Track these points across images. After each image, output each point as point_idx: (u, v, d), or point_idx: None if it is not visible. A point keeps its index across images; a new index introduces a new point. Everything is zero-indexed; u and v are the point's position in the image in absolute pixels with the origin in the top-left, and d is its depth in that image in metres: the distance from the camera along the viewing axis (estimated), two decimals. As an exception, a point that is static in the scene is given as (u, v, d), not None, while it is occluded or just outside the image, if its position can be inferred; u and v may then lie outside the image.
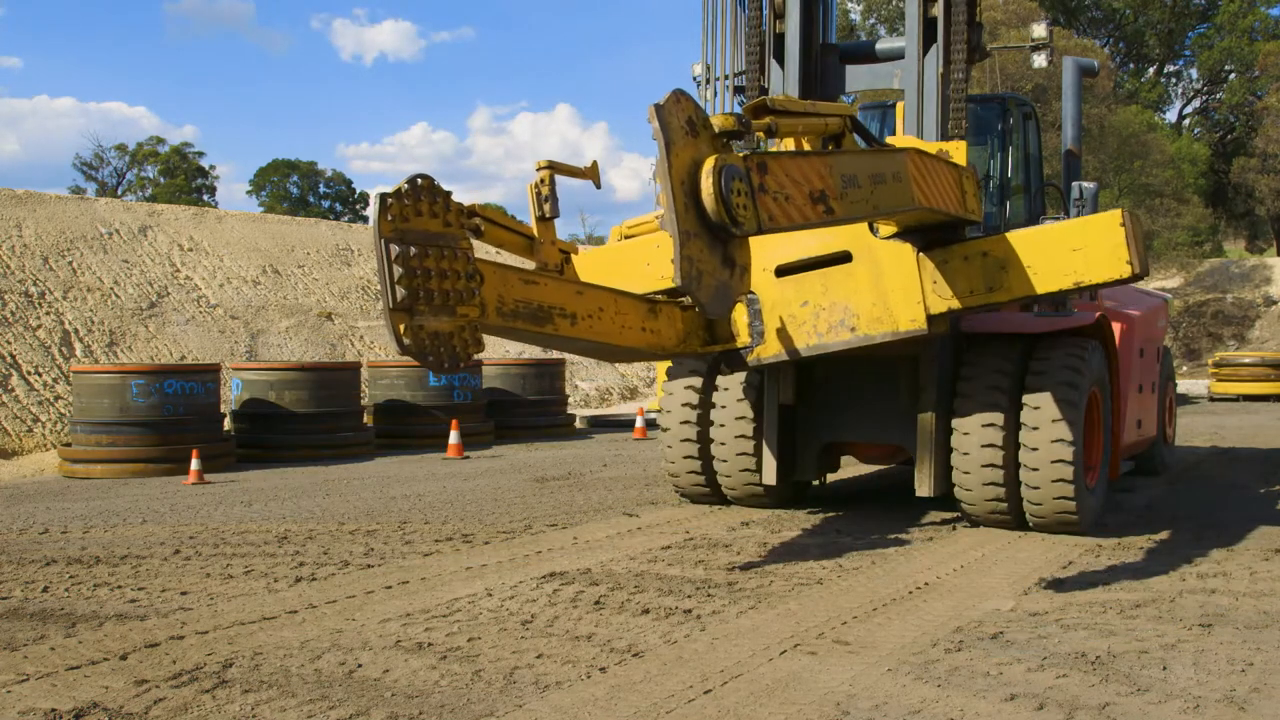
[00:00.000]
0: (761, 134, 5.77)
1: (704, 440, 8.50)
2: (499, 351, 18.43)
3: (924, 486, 7.63)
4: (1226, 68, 43.79)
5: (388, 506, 9.06)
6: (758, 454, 8.22)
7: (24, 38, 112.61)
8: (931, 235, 6.99)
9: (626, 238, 8.51)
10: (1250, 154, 40.12)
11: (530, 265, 6.41)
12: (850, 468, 11.23)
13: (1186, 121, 47.90)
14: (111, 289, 17.68)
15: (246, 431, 13.05)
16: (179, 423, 11.80)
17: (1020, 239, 6.84)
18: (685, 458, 8.57)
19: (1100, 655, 4.65)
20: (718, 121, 4.94)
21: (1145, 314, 9.92)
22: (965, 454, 7.38)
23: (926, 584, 6.04)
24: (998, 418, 7.30)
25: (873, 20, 39.12)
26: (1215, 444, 14.19)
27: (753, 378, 8.17)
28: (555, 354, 17.46)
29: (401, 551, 7.04)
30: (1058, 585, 5.98)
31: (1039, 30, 10.69)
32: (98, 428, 11.70)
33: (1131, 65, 45.51)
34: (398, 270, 4.62)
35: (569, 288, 5.84)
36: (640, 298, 6.40)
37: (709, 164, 4.68)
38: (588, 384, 22.46)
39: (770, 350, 7.09)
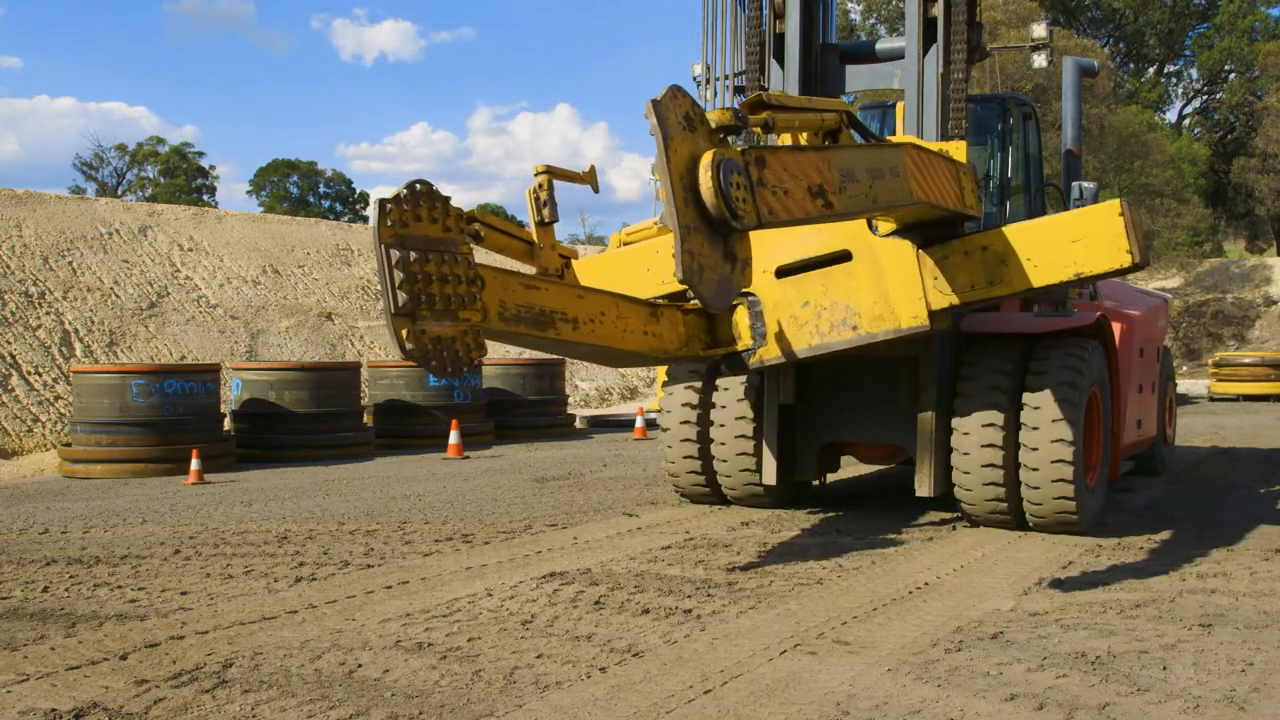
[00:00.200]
0: (759, 130, 5.77)
1: (704, 440, 8.50)
2: (499, 351, 18.42)
3: (924, 486, 7.63)
4: (1226, 68, 43.79)
5: (388, 506, 9.06)
6: (758, 454, 8.22)
7: (24, 38, 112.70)
8: (930, 232, 6.99)
9: (626, 244, 8.52)
10: (1250, 154, 40.12)
11: (531, 270, 6.42)
12: (850, 468, 11.23)
13: (1186, 121, 47.92)
14: (111, 289, 17.68)
15: (246, 431, 13.05)
16: (179, 423, 11.80)
17: (1020, 232, 6.84)
18: (685, 458, 8.57)
19: (1100, 655, 4.65)
20: (715, 117, 4.94)
21: (1145, 314, 9.92)
22: (965, 454, 7.38)
23: (926, 584, 6.04)
24: (998, 418, 7.30)
25: (873, 20, 39.13)
26: (1215, 444, 14.19)
27: (753, 378, 8.17)
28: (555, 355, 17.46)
29: (401, 551, 7.04)
30: (1058, 585, 5.98)
31: (1039, 30, 10.72)
32: (98, 428, 11.70)
33: (1131, 65, 45.51)
34: (398, 275, 4.62)
35: (570, 292, 5.84)
36: (641, 301, 6.40)
37: (707, 158, 4.69)
38: (588, 384, 22.47)
39: (772, 352, 7.08)
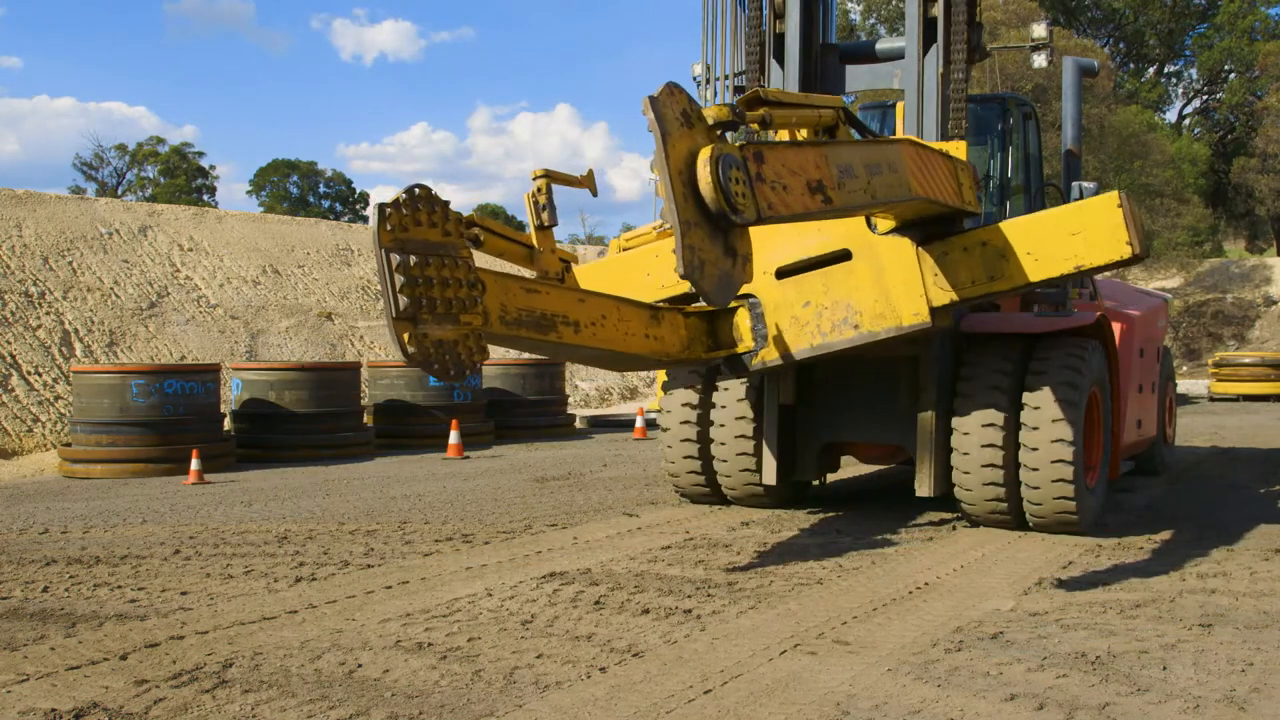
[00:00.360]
0: (756, 126, 5.77)
1: (704, 440, 8.50)
2: (499, 351, 18.41)
3: (924, 486, 7.62)
4: (1226, 68, 43.79)
5: (388, 506, 9.06)
6: (758, 454, 8.22)
7: (24, 38, 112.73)
8: (930, 229, 6.98)
9: (625, 250, 8.52)
10: (1250, 154, 40.11)
11: (531, 274, 6.42)
12: (850, 468, 11.23)
13: (1186, 121, 47.91)
14: (111, 289, 17.68)
15: (246, 431, 13.05)
16: (179, 423, 11.81)
17: (1019, 227, 6.83)
18: (685, 458, 8.57)
19: (1100, 655, 4.65)
20: (712, 113, 4.94)
21: (1145, 314, 9.92)
22: (965, 454, 7.38)
23: (926, 584, 6.04)
24: (998, 418, 7.30)
25: (873, 20, 39.12)
26: (1215, 444, 14.19)
27: (753, 378, 8.17)
28: (555, 354, 17.46)
29: (401, 551, 7.04)
30: (1058, 585, 5.98)
31: (1039, 30, 10.72)
32: (98, 428, 11.70)
33: (1131, 65, 45.50)
34: (399, 279, 4.63)
35: (571, 295, 5.84)
36: (643, 305, 6.40)
37: (705, 154, 4.69)
38: (588, 384, 22.47)
39: (774, 353, 7.07)
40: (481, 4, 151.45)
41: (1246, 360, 24.57)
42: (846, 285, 7.03)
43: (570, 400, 18.99)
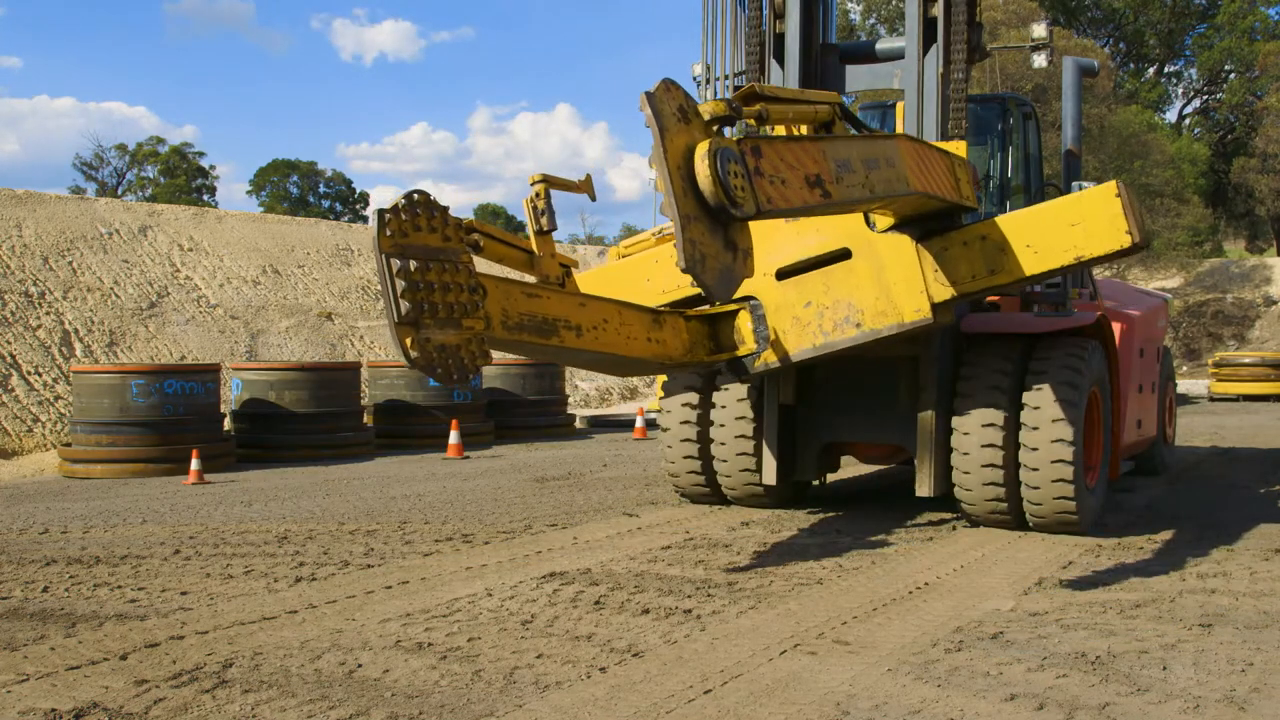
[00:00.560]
0: (753, 121, 5.77)
1: (704, 440, 8.50)
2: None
3: (924, 486, 7.62)
4: (1226, 68, 43.78)
5: (388, 506, 9.06)
6: (758, 454, 8.22)
7: (24, 38, 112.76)
8: (928, 225, 6.97)
9: (624, 256, 8.54)
10: (1250, 154, 40.10)
11: (531, 279, 6.42)
12: (850, 468, 11.23)
13: (1186, 121, 47.90)
14: (111, 289, 17.68)
15: (246, 431, 13.05)
16: (179, 423, 11.81)
17: (1018, 219, 6.82)
18: (685, 458, 8.57)
19: (1100, 655, 4.65)
20: (708, 108, 4.94)
21: (1145, 314, 9.91)
22: (965, 454, 7.38)
23: (926, 584, 6.04)
24: (998, 418, 7.30)
25: (873, 20, 39.10)
26: (1215, 444, 14.19)
27: (754, 378, 8.16)
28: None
29: (401, 551, 7.04)
30: (1058, 585, 5.98)
31: (1039, 30, 10.70)
32: (98, 428, 11.70)
33: (1131, 65, 45.49)
34: (400, 284, 4.64)
35: (572, 300, 5.84)
36: (644, 308, 6.40)
37: (703, 148, 4.69)
38: (588, 384, 22.46)
39: (776, 354, 7.06)
40: (481, 4, 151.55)
41: (1246, 360, 24.57)
42: (847, 284, 7.02)
43: (570, 400, 18.99)
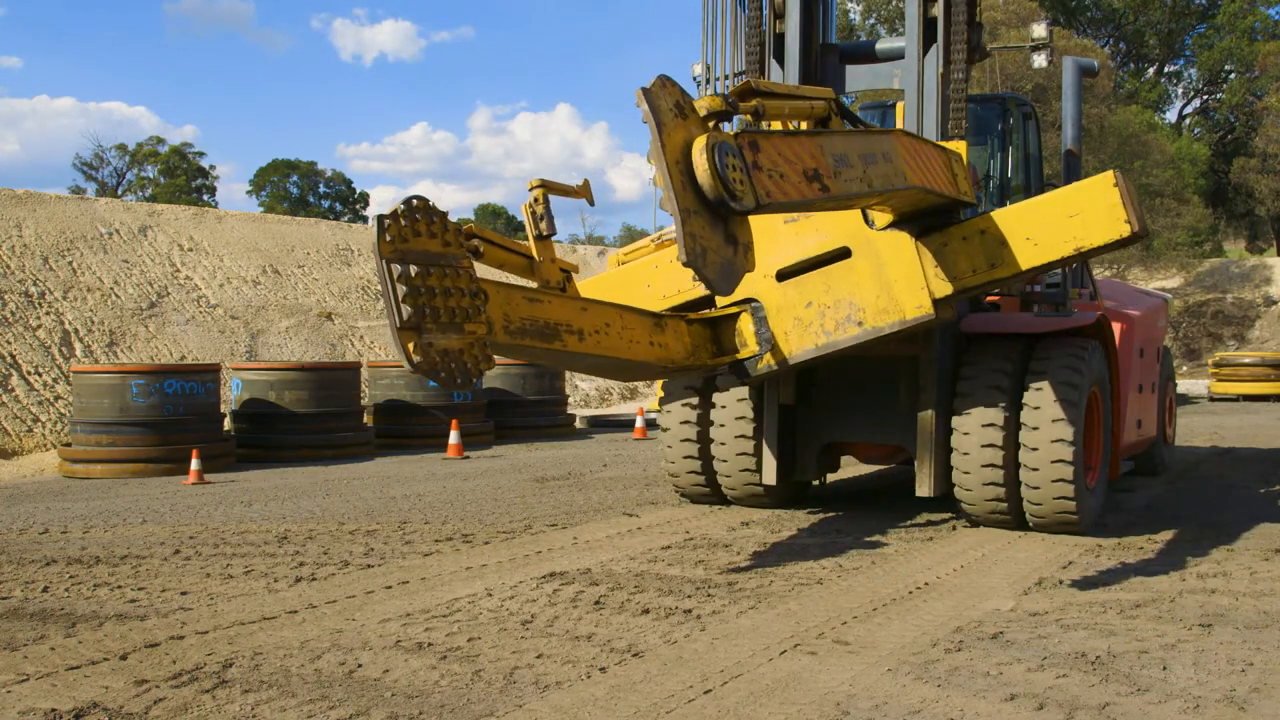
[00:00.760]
0: (749, 117, 5.77)
1: (704, 440, 8.50)
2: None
3: (924, 486, 7.62)
4: (1226, 68, 43.78)
5: (388, 506, 9.06)
6: (758, 454, 8.22)
7: (24, 38, 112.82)
8: (927, 221, 6.96)
9: (623, 264, 8.54)
10: (1250, 154, 40.10)
11: (533, 285, 6.43)
12: (850, 468, 11.23)
13: (1186, 121, 47.90)
14: (111, 289, 17.68)
15: (246, 431, 13.05)
16: (179, 423, 11.81)
17: (1016, 212, 6.82)
18: (685, 458, 8.57)
19: (1100, 655, 4.65)
20: (704, 104, 4.94)
21: (1145, 314, 9.91)
22: (965, 454, 7.38)
23: (926, 584, 6.04)
24: (998, 417, 7.30)
25: (873, 20, 39.10)
26: (1215, 444, 14.19)
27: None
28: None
29: (401, 551, 7.04)
30: (1058, 585, 5.98)
31: (1039, 30, 10.70)
32: (98, 428, 11.70)
33: (1131, 65, 45.50)
34: (402, 289, 4.65)
35: (574, 304, 5.85)
36: (645, 312, 6.40)
37: (700, 142, 4.69)
38: (588, 384, 22.46)
39: (779, 355, 7.05)
40: (481, 4, 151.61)
41: (1246, 360, 24.57)
42: (848, 283, 7.02)
43: (570, 400, 18.99)
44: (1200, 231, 39.15)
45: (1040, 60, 10.58)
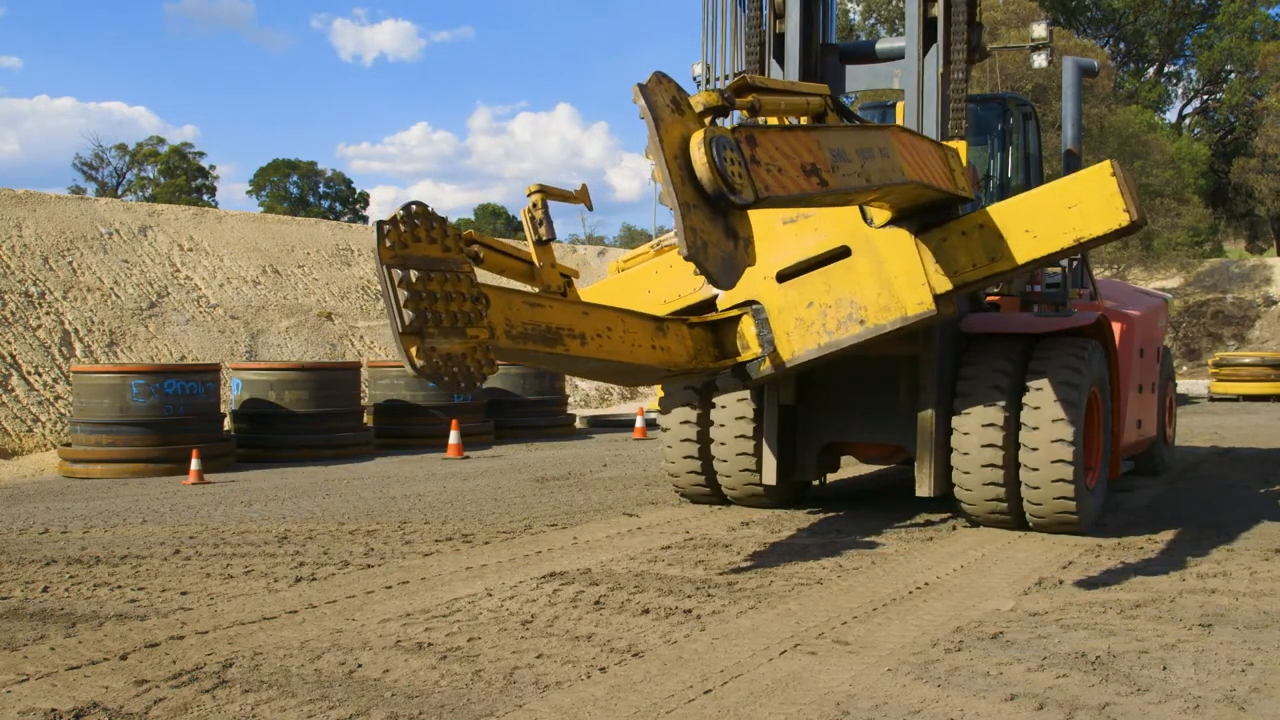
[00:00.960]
0: (745, 112, 5.76)
1: (704, 440, 8.50)
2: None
3: (924, 486, 7.62)
4: (1226, 68, 43.79)
5: (388, 506, 9.06)
6: (758, 454, 8.22)
7: (24, 38, 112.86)
8: (926, 218, 6.95)
9: (623, 270, 8.55)
10: (1250, 154, 40.11)
11: (534, 290, 6.44)
12: (850, 468, 11.23)
13: (1186, 121, 47.91)
14: (111, 289, 17.68)
15: (246, 431, 13.05)
16: (179, 423, 11.81)
17: (1015, 206, 6.81)
18: (685, 458, 8.57)
19: (1100, 655, 4.65)
20: (701, 99, 4.94)
21: (1145, 314, 9.91)
22: (965, 454, 7.38)
23: (926, 584, 6.04)
24: (998, 417, 7.30)
25: (873, 20, 39.10)
26: (1215, 444, 14.19)
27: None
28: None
29: (401, 551, 7.04)
30: (1058, 585, 5.98)
31: (1039, 30, 10.70)
32: (98, 428, 11.70)
33: (1131, 65, 45.50)
34: (403, 294, 4.65)
35: (575, 309, 5.85)
36: (647, 316, 6.39)
37: (698, 136, 4.69)
38: (588, 384, 22.46)
39: (782, 356, 7.04)
40: (481, 4, 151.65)
41: (1246, 360, 24.57)
42: (848, 281, 7.01)
43: (570, 400, 18.99)
44: (1200, 231, 39.16)
45: (1040, 60, 10.59)
